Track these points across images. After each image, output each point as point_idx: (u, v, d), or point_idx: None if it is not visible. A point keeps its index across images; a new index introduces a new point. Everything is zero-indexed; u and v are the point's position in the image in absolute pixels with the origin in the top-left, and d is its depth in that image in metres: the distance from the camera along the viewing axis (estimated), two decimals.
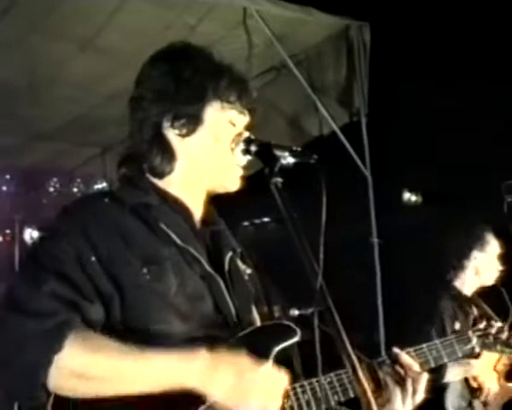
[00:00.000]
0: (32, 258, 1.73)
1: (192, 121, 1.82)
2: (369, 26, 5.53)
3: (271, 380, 1.61)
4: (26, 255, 1.77)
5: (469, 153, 5.21)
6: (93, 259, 1.67)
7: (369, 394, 1.43)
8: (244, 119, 1.88)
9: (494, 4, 5.08)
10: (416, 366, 1.87)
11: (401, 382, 1.83)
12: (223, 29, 5.05)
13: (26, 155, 6.36)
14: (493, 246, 3.93)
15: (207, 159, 1.84)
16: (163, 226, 1.77)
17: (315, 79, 5.71)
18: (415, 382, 1.83)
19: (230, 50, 4.80)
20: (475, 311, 3.85)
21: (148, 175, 1.87)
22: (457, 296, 3.89)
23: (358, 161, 5.65)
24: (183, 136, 1.83)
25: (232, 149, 1.81)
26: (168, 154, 1.84)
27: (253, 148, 1.73)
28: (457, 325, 3.76)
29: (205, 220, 1.90)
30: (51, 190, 6.84)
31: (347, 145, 5.65)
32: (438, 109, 5.48)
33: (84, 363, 1.57)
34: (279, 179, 1.61)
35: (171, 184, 1.86)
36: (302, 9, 5.11)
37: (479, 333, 2.08)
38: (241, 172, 1.86)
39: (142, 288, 1.67)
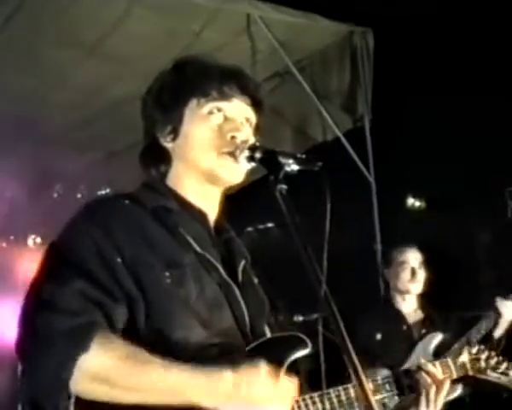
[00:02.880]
0: (57, 256, 1.69)
1: (175, 126, 1.84)
2: (372, 32, 5.55)
3: (281, 390, 1.60)
4: (48, 253, 1.71)
5: (473, 159, 5.21)
6: (118, 260, 1.65)
7: (374, 403, 1.43)
8: (237, 103, 1.84)
9: (497, 11, 5.09)
10: (439, 374, 2.01)
11: (426, 388, 1.97)
12: (227, 35, 5.07)
13: (29, 160, 6.37)
14: (408, 258, 4.15)
15: (192, 155, 1.83)
16: (182, 232, 1.76)
17: (319, 85, 5.72)
18: (438, 388, 1.98)
19: (234, 57, 4.79)
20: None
21: (166, 180, 1.87)
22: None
23: (362, 167, 5.67)
24: (172, 140, 1.85)
25: (227, 143, 1.79)
26: (165, 160, 1.87)
27: (258, 155, 1.71)
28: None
29: (218, 228, 1.90)
30: (55, 195, 6.83)
31: (351, 151, 5.66)
32: (441, 115, 5.48)
33: (108, 369, 1.54)
34: (284, 186, 1.61)
35: (186, 189, 1.85)
36: (306, 15, 5.12)
37: (471, 357, 2.16)
38: (233, 162, 1.79)
39: (164, 292, 1.66)
